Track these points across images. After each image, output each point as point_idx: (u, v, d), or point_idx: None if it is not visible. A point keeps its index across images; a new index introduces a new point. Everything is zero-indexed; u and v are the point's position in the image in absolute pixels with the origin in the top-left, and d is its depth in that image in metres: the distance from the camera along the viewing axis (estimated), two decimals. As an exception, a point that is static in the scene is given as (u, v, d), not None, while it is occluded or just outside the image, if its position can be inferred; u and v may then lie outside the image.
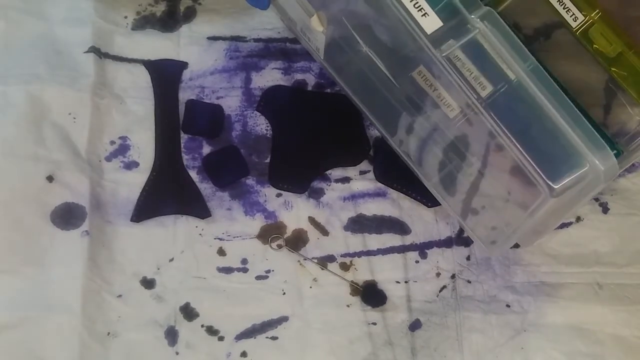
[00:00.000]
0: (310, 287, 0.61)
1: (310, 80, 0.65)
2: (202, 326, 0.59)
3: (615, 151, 0.57)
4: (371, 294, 0.61)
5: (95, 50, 0.63)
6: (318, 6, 0.55)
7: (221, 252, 0.61)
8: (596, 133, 0.46)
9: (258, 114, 0.64)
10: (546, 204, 0.48)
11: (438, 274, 0.61)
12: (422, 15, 0.46)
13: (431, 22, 0.47)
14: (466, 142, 0.58)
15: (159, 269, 0.60)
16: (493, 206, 0.56)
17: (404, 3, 0.46)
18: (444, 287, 0.61)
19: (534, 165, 0.46)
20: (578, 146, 0.46)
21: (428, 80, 0.59)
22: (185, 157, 0.63)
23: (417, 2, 0.46)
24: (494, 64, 0.47)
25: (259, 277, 0.61)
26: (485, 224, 0.57)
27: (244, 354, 0.59)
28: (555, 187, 0.45)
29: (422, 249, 0.62)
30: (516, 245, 0.60)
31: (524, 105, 0.47)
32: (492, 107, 0.48)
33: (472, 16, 0.47)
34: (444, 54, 0.47)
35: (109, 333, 0.58)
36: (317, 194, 0.62)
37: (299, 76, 0.64)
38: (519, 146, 0.46)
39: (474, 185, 0.56)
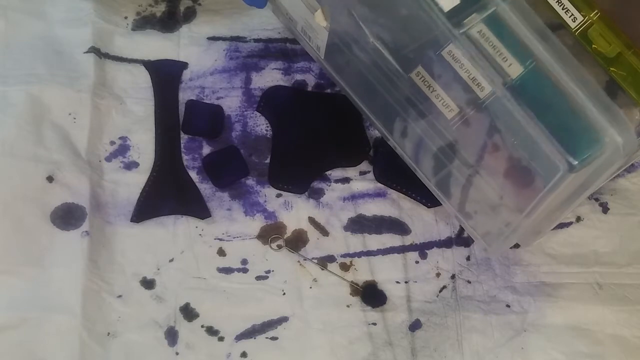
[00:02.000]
0: (310, 288, 0.61)
1: (310, 80, 0.65)
2: (202, 326, 0.59)
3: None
4: (371, 294, 0.61)
5: (95, 51, 0.63)
6: (322, 1, 0.54)
7: (221, 252, 0.61)
8: (615, 106, 0.45)
9: (258, 114, 0.64)
10: (566, 180, 0.46)
11: (438, 274, 0.61)
12: None
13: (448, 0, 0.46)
14: (464, 142, 0.58)
15: (159, 269, 0.60)
16: (492, 206, 0.56)
17: None
18: (444, 287, 0.61)
19: (555, 141, 0.45)
20: (597, 120, 0.45)
21: (426, 82, 0.60)
22: (185, 158, 0.63)
23: None
24: (517, 43, 0.46)
25: (259, 278, 0.61)
26: (485, 223, 0.57)
27: (244, 355, 0.59)
28: (575, 162, 0.45)
29: (422, 249, 0.62)
30: (516, 246, 0.61)
31: (547, 83, 0.46)
32: (520, 87, 0.47)
33: None
34: (462, 30, 0.46)
35: (109, 333, 0.58)
36: (317, 194, 0.63)
37: (299, 76, 0.64)
38: (540, 124, 0.45)
39: (474, 184, 0.56)
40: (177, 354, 0.59)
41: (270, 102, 0.64)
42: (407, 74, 0.54)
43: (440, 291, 0.61)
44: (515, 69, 0.47)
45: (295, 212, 0.62)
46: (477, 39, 0.46)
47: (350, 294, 0.61)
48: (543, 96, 0.47)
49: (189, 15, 0.65)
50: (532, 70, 0.47)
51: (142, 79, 0.63)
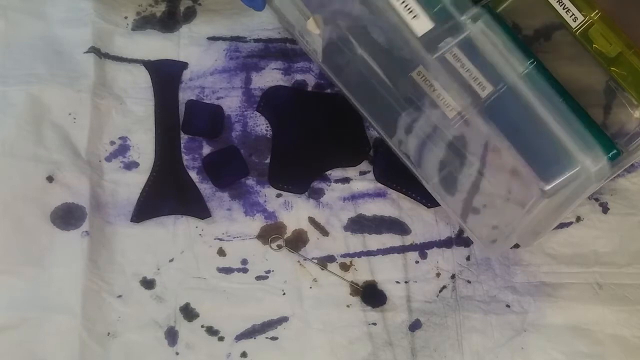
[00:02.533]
0: (310, 288, 0.61)
1: (310, 80, 0.64)
2: (202, 326, 0.59)
3: (614, 151, 0.57)
4: (371, 294, 0.61)
5: (95, 51, 0.63)
6: (314, 8, 0.55)
7: (221, 252, 0.61)
8: (589, 134, 0.46)
9: (258, 114, 0.64)
10: (540, 204, 0.48)
11: (438, 274, 0.61)
12: (412, 17, 0.46)
13: (422, 24, 0.46)
14: (465, 141, 0.58)
15: (159, 269, 0.60)
16: (492, 206, 0.56)
17: (394, 5, 0.46)
18: (444, 287, 0.61)
19: (527, 166, 0.46)
20: (570, 147, 0.46)
21: (427, 81, 0.59)
22: (185, 158, 0.63)
23: (407, 4, 0.46)
24: (490, 65, 0.47)
25: (259, 278, 0.61)
26: (485, 224, 0.57)
27: (244, 355, 0.59)
28: (547, 187, 0.46)
29: (422, 249, 0.62)
30: (516, 246, 0.60)
31: (518, 107, 0.47)
32: (489, 109, 0.48)
33: (464, 17, 0.46)
34: (435, 55, 0.46)
35: (109, 333, 0.59)
36: (317, 194, 0.62)
37: (299, 76, 0.64)
38: (513, 147, 0.46)
39: (474, 185, 0.56)
40: (177, 354, 0.59)
41: (270, 102, 0.64)
42: (395, 86, 0.54)
43: (440, 291, 0.61)
44: (487, 92, 0.47)
45: (295, 212, 0.62)
46: (451, 62, 0.46)
47: (350, 294, 0.61)
48: (515, 121, 0.47)
49: (189, 15, 0.65)
50: (504, 94, 0.47)
51: (142, 79, 0.63)
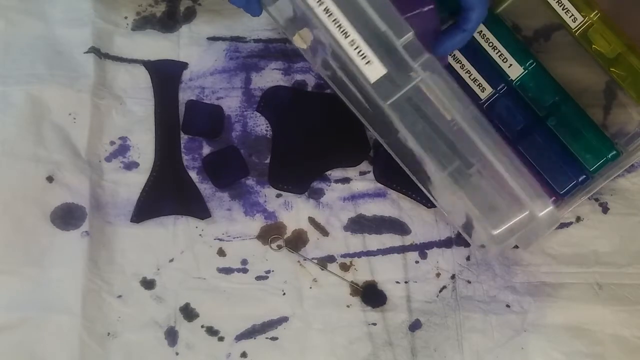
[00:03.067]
0: (310, 288, 0.61)
1: (310, 80, 0.65)
2: (202, 327, 0.59)
3: (614, 152, 0.57)
4: (371, 295, 0.61)
5: (95, 51, 0.63)
6: (302, 24, 0.55)
7: (221, 252, 0.61)
8: (536, 182, 0.47)
9: (258, 114, 0.64)
10: (492, 246, 0.49)
11: (438, 274, 0.61)
12: (366, 64, 0.46)
13: (375, 70, 0.46)
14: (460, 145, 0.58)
15: (158, 269, 0.60)
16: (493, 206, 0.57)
17: (347, 51, 0.46)
18: (444, 287, 0.61)
19: (477, 211, 0.47)
20: (518, 193, 0.46)
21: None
22: (185, 158, 0.63)
23: (360, 50, 0.45)
24: (439, 113, 0.47)
25: (258, 278, 0.61)
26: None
27: (244, 355, 0.59)
28: (495, 232, 0.47)
29: (422, 249, 0.62)
30: (516, 246, 0.61)
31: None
32: None
33: (416, 64, 0.46)
34: (388, 102, 0.46)
35: (109, 333, 0.58)
36: (317, 195, 0.62)
37: (299, 77, 0.64)
38: (464, 195, 0.47)
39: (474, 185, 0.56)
40: (177, 354, 0.59)
41: (270, 102, 0.64)
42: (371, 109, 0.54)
43: (440, 291, 0.61)
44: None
45: (295, 212, 0.62)
46: (403, 107, 0.46)
47: (350, 294, 0.61)
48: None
49: (189, 15, 0.65)
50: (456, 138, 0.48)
51: (142, 79, 0.63)
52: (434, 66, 0.46)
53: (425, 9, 0.53)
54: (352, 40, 0.45)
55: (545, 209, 0.47)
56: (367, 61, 0.46)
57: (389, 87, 0.46)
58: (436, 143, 0.47)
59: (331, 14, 0.45)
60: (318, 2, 0.45)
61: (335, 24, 0.45)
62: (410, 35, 0.45)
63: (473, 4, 0.50)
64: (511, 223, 0.47)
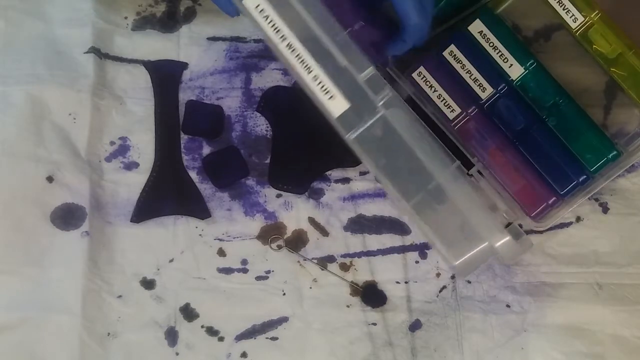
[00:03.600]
0: (310, 288, 0.61)
1: (310, 80, 0.64)
2: (202, 327, 0.59)
3: (614, 152, 0.57)
4: (371, 295, 0.61)
5: (95, 51, 0.63)
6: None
7: (221, 252, 0.61)
8: (491, 215, 0.48)
9: (258, 114, 0.64)
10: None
11: (438, 274, 0.61)
12: (329, 98, 0.46)
13: (338, 105, 0.46)
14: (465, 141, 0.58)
15: (159, 269, 0.60)
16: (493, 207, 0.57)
17: (310, 86, 0.46)
18: (444, 287, 0.61)
19: (439, 246, 0.48)
20: (475, 224, 0.47)
21: (428, 82, 0.60)
22: (185, 158, 0.63)
23: (323, 85, 0.46)
24: (404, 145, 0.47)
25: (259, 278, 0.61)
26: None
27: (244, 355, 0.59)
28: (455, 263, 0.48)
29: (422, 249, 0.62)
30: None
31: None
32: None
33: (378, 97, 0.46)
34: (352, 137, 0.46)
35: (109, 333, 0.59)
36: (317, 195, 0.62)
37: (299, 77, 0.64)
38: (424, 225, 0.48)
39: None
40: (177, 354, 0.59)
41: (270, 102, 0.64)
42: None
43: (440, 291, 0.61)
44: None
45: (295, 212, 0.62)
46: (366, 141, 0.47)
47: (350, 294, 0.61)
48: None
49: (189, 15, 0.65)
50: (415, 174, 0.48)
51: (142, 79, 0.63)
52: (396, 100, 0.46)
53: (356, 27, 0.54)
54: (315, 76, 0.46)
55: (501, 240, 0.47)
56: (330, 96, 0.46)
57: (353, 120, 0.46)
58: (399, 177, 0.48)
59: (294, 49, 0.46)
60: (281, 38, 0.46)
61: (299, 59, 0.46)
62: (371, 69, 0.45)
63: (409, 16, 0.50)
64: (470, 254, 0.48)
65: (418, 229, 0.50)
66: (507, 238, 0.47)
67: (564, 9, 0.58)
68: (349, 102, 0.46)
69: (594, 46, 0.58)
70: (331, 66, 0.46)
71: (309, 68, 0.46)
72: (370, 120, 0.46)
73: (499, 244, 0.47)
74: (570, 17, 0.58)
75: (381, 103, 0.46)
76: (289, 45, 0.46)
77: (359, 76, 0.45)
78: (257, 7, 0.46)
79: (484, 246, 0.47)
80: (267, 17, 0.46)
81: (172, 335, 0.59)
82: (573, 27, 0.58)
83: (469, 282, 0.61)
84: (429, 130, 0.49)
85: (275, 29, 0.46)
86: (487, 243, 0.47)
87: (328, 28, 0.45)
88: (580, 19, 0.57)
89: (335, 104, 0.46)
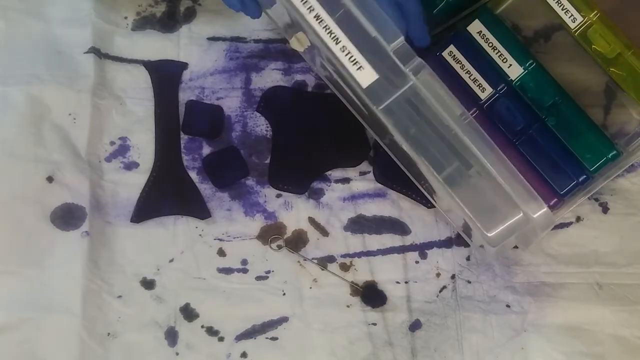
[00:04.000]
0: (310, 288, 0.61)
1: (311, 81, 0.64)
2: (202, 327, 0.59)
3: (614, 152, 0.57)
4: (371, 295, 0.61)
5: (95, 51, 0.63)
6: (298, 27, 0.55)
7: (221, 252, 0.61)
8: (529, 185, 0.47)
9: (258, 114, 0.64)
10: (490, 248, 0.49)
11: (438, 275, 0.61)
12: (357, 69, 0.46)
13: (367, 76, 0.46)
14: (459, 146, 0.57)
15: (158, 269, 0.60)
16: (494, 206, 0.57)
17: (339, 57, 0.46)
18: (444, 287, 0.61)
19: (472, 217, 0.47)
20: (512, 197, 0.47)
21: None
22: (185, 158, 0.63)
23: (351, 56, 0.46)
24: (434, 114, 0.47)
25: (258, 278, 0.61)
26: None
27: (244, 355, 0.59)
28: (490, 234, 0.47)
29: (422, 249, 0.62)
30: (516, 246, 0.61)
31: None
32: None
33: (408, 68, 0.46)
34: (381, 107, 0.46)
35: (109, 334, 0.58)
36: (317, 195, 0.62)
37: (299, 77, 0.64)
38: (458, 200, 0.47)
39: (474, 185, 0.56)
40: (177, 354, 0.59)
41: (270, 102, 0.64)
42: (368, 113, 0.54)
43: (440, 291, 0.61)
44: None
45: (295, 212, 0.62)
46: (395, 112, 0.46)
47: (350, 294, 0.61)
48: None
49: (189, 15, 0.65)
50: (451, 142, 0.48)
51: (142, 79, 0.63)
52: (425, 70, 0.46)
53: None
54: (343, 46, 0.46)
55: (539, 211, 0.47)
56: (358, 67, 0.46)
57: (382, 91, 0.46)
58: (430, 147, 0.47)
59: (322, 21, 0.46)
60: (309, 8, 0.46)
61: (326, 30, 0.46)
62: (400, 40, 0.45)
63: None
64: (505, 225, 0.47)
65: (449, 202, 0.49)
66: (544, 209, 0.46)
67: (562, 9, 0.58)
68: (378, 73, 0.46)
69: (593, 46, 0.58)
70: (360, 37, 0.45)
71: (336, 39, 0.46)
72: (400, 91, 0.46)
73: (536, 214, 0.46)
74: (569, 17, 0.58)
75: (410, 73, 0.45)
76: (317, 17, 0.45)
77: (388, 47, 0.45)
78: None
79: (519, 217, 0.47)
80: None
81: (172, 335, 0.59)
82: (572, 27, 0.58)
83: (469, 282, 0.61)
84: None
85: (303, 1, 0.45)
86: (521, 214, 0.46)
87: None
88: (579, 19, 0.57)
89: (363, 75, 0.46)
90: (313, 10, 0.45)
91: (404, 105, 0.46)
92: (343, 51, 0.46)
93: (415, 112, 0.46)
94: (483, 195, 0.47)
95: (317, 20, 0.46)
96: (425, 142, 0.47)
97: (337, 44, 0.46)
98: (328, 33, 0.46)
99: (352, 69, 0.46)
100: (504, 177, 0.47)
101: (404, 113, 0.46)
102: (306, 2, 0.46)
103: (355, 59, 0.46)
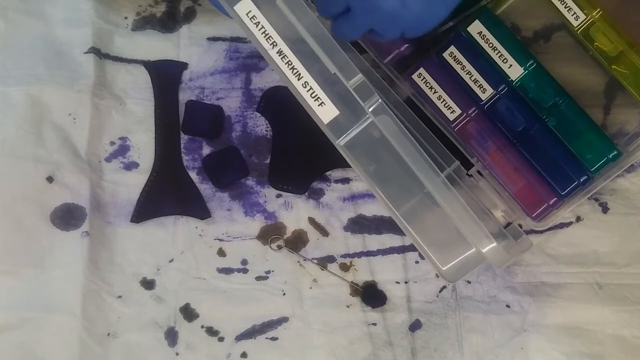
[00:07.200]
0: (310, 288, 0.61)
1: (310, 80, 0.64)
2: (202, 327, 0.60)
3: (615, 152, 0.57)
4: (371, 295, 0.61)
5: (95, 51, 0.63)
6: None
7: (221, 252, 0.61)
8: (480, 224, 0.47)
9: (258, 114, 0.64)
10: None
11: (438, 275, 0.61)
12: (319, 105, 0.47)
13: (328, 111, 0.47)
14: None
15: (158, 269, 0.60)
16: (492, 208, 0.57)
17: (301, 93, 0.46)
18: (444, 287, 0.61)
19: (428, 252, 0.49)
20: (463, 231, 0.48)
21: (428, 83, 0.60)
22: (185, 158, 0.63)
23: (313, 92, 0.46)
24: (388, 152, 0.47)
25: (259, 278, 0.61)
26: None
27: (244, 355, 0.59)
28: (444, 268, 0.49)
29: (422, 249, 0.62)
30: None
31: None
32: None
33: (366, 105, 0.46)
34: (342, 143, 0.47)
35: (108, 334, 0.59)
36: (317, 195, 0.62)
37: (298, 77, 0.64)
38: (415, 235, 0.49)
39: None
40: (177, 354, 0.59)
41: (270, 102, 0.64)
42: None
43: (440, 291, 0.61)
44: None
45: (295, 212, 0.62)
46: (356, 147, 0.47)
47: (350, 294, 0.61)
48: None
49: (189, 15, 0.65)
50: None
51: (142, 79, 0.63)
52: (384, 108, 0.46)
53: None
54: (305, 82, 0.46)
55: (489, 245, 0.47)
56: (320, 103, 0.47)
57: (342, 127, 0.47)
58: (388, 183, 0.48)
59: (284, 56, 0.46)
60: (272, 44, 0.46)
61: (289, 66, 0.46)
62: (359, 77, 0.46)
63: None
64: (458, 260, 0.49)
65: (407, 236, 0.51)
66: (494, 244, 0.47)
67: (565, 7, 0.57)
68: (339, 109, 0.46)
69: (596, 44, 0.57)
70: (321, 73, 0.46)
71: (299, 75, 0.46)
72: (360, 127, 0.47)
73: (486, 249, 0.47)
74: (572, 15, 0.57)
75: (370, 110, 0.46)
76: (280, 52, 0.46)
77: (347, 83, 0.46)
78: (248, 13, 0.46)
79: (472, 252, 0.48)
80: (258, 23, 0.46)
81: (172, 336, 0.59)
82: (575, 26, 0.58)
83: (469, 282, 0.61)
84: (420, 135, 0.50)
85: (266, 36, 0.46)
86: (474, 249, 0.48)
87: (318, 35, 0.45)
88: (582, 17, 0.57)
89: (325, 111, 0.47)
90: (276, 45, 0.46)
91: (364, 141, 0.47)
92: (305, 87, 0.46)
93: (374, 148, 0.47)
94: (437, 231, 0.49)
95: (279, 55, 0.46)
96: (384, 179, 0.48)
97: (299, 79, 0.46)
98: (290, 69, 0.46)
99: (313, 104, 0.47)
100: (457, 213, 0.47)
101: (363, 149, 0.47)
102: (269, 37, 0.46)
103: (316, 95, 0.46)
